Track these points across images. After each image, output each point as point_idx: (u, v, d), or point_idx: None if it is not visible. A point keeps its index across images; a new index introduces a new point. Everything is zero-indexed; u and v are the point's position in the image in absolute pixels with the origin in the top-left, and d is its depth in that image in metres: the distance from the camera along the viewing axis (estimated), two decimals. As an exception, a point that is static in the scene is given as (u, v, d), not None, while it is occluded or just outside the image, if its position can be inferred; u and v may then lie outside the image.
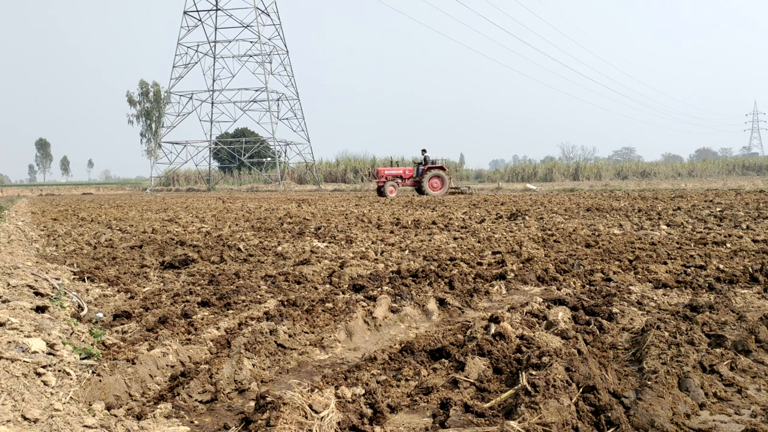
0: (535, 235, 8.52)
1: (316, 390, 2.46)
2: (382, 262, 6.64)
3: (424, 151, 28.23)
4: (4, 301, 3.77)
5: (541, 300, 4.39)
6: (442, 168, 27.58)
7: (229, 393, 2.91)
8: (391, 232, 9.78)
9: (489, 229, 9.77)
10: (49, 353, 2.87)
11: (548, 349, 2.93)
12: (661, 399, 2.48)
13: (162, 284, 5.66)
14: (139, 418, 2.55)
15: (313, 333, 3.87)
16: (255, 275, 5.94)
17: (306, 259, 6.74)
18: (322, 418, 2.23)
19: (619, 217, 11.43)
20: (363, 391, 2.63)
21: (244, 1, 56.10)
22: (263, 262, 6.81)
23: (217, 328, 3.82)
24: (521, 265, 6.10)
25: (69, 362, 2.85)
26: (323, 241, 8.62)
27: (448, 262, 6.32)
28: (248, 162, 59.43)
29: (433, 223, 11.06)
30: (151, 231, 10.78)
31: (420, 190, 27.40)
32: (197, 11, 56.81)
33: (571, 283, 5.29)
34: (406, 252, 7.32)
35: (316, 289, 5.23)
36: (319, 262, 6.60)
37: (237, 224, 11.97)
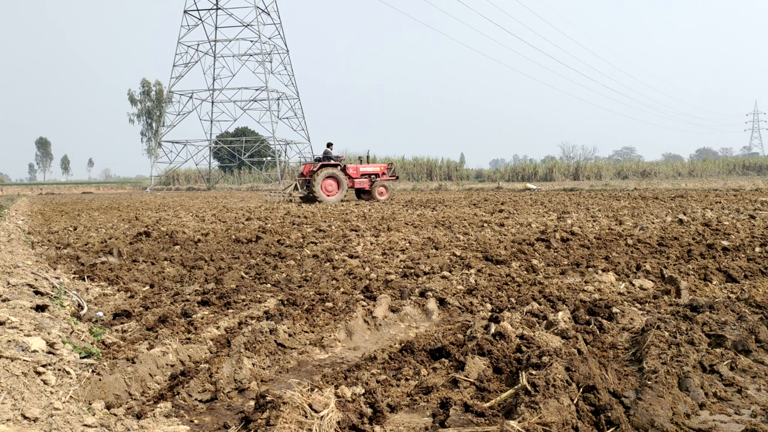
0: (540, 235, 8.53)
1: (316, 389, 2.46)
2: (383, 262, 6.65)
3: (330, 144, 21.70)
4: (4, 300, 3.77)
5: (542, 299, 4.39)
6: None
7: (228, 392, 2.91)
8: (389, 230, 9.78)
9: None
10: (49, 352, 2.87)
11: (548, 349, 2.93)
12: (661, 399, 2.48)
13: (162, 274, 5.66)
14: (138, 417, 2.55)
15: (313, 332, 3.87)
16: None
17: (307, 254, 6.74)
18: (321, 417, 2.23)
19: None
20: (363, 391, 2.62)
21: (245, 0, 56.09)
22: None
23: (217, 328, 3.82)
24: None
25: (69, 361, 2.85)
26: (324, 241, 8.62)
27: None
28: (248, 161, 59.43)
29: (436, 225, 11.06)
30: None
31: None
32: (197, 10, 56.74)
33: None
34: (399, 253, 7.33)
35: (318, 287, 5.23)
36: (322, 263, 6.60)
37: (241, 222, 11.97)
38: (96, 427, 2.26)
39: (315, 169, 20.56)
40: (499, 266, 6.06)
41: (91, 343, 3.39)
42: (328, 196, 20.46)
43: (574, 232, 8.44)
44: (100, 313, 4.38)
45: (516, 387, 2.58)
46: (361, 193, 22.29)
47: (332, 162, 20.93)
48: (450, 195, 26.31)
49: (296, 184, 21.26)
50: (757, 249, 6.54)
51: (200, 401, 2.81)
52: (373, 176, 22.00)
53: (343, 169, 21.19)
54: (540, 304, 4.46)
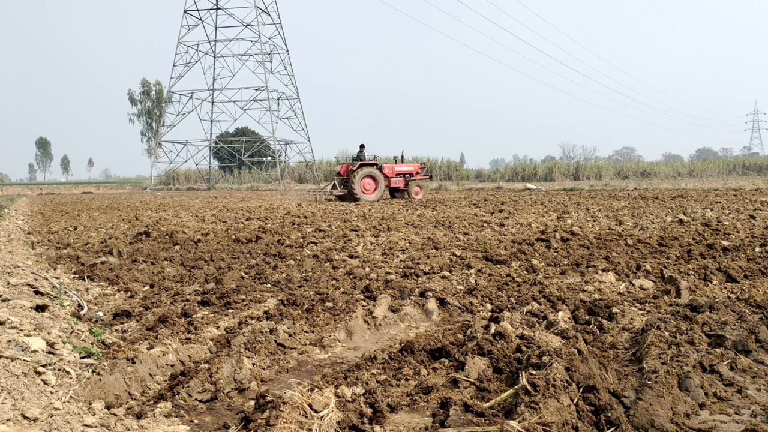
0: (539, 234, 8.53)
1: (316, 389, 2.46)
2: (383, 262, 6.65)
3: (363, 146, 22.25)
4: (4, 300, 3.77)
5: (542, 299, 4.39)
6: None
7: (228, 392, 2.91)
8: (389, 229, 9.78)
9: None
10: (49, 352, 2.87)
11: (548, 349, 2.93)
12: (661, 399, 2.48)
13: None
14: (138, 417, 2.55)
15: (313, 332, 3.87)
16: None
17: (307, 255, 6.74)
18: (321, 417, 2.23)
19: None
20: (363, 391, 2.62)
21: (245, 0, 56.09)
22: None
23: (217, 327, 3.82)
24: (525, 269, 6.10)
25: (69, 361, 2.85)
26: (324, 241, 8.62)
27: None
28: (248, 161, 59.44)
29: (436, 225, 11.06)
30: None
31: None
32: (197, 10, 56.70)
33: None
34: (398, 253, 7.33)
35: (318, 287, 5.23)
36: (322, 263, 6.60)
37: (241, 222, 11.97)
38: (96, 427, 2.26)
39: (353, 169, 21.18)
40: (499, 266, 6.06)
41: (91, 343, 3.39)
42: (366, 194, 21.08)
43: (574, 232, 8.44)
44: (100, 313, 4.38)
45: (516, 387, 2.58)
46: (396, 192, 22.80)
47: (369, 162, 21.59)
48: (450, 195, 26.31)
49: (335, 183, 21.95)
50: (757, 249, 6.54)
51: (200, 401, 2.81)
52: (407, 175, 22.57)
53: (380, 169, 21.76)
54: (540, 304, 4.46)
